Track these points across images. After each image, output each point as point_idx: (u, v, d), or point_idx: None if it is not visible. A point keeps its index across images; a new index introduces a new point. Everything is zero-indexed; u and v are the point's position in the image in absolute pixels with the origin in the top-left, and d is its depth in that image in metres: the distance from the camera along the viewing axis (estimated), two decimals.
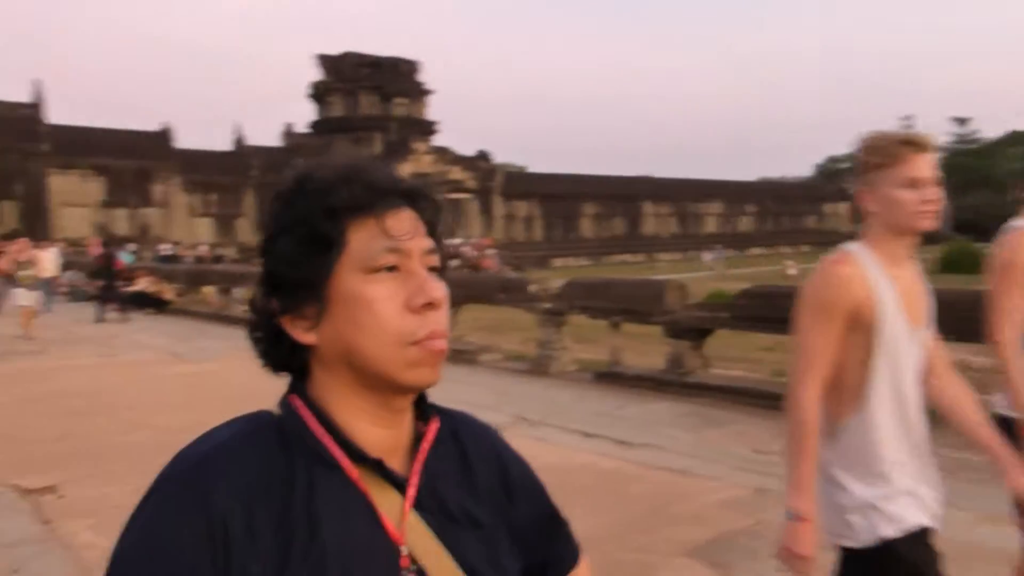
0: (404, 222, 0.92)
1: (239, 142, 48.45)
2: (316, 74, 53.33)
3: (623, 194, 63.87)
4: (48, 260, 18.32)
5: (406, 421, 0.97)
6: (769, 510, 4.80)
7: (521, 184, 58.50)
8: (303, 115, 61.16)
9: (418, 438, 1.00)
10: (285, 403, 0.96)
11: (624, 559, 4.41)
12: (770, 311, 7.39)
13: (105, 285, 17.23)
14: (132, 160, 43.13)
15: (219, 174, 46.39)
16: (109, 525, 4.49)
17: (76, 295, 21.44)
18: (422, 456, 0.97)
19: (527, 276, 11.00)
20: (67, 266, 22.60)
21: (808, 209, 79.39)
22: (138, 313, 18.18)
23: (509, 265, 39.58)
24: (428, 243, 0.93)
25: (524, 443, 6.58)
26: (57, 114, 42.01)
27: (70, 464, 6.27)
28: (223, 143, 49.11)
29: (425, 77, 55.04)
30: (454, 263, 40.90)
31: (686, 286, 9.25)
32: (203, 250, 41.08)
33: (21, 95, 41.56)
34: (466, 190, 49.41)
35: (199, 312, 17.64)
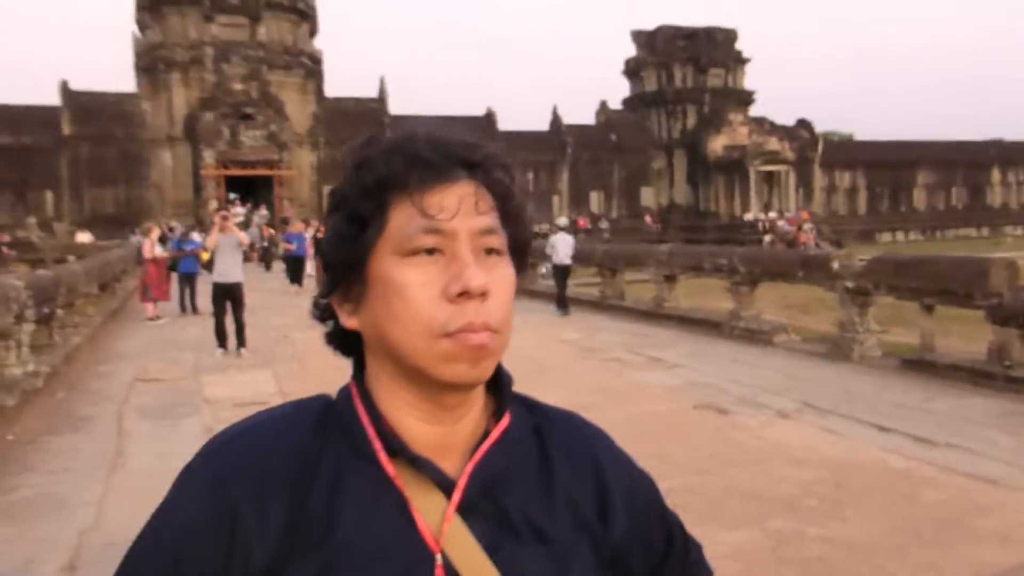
0: (448, 198, 0.82)
1: (555, 121, 50.14)
2: (630, 50, 53.62)
3: (965, 161, 57.09)
4: None
5: (467, 418, 0.88)
6: None
7: (843, 153, 54.64)
8: (618, 92, 62.37)
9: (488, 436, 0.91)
10: (343, 389, 0.91)
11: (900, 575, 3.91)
12: None
13: None
14: None
15: (537, 153, 48.45)
16: None
17: None
18: (478, 456, 0.87)
19: (836, 251, 10.15)
20: None
21: None
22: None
23: (828, 240, 37.06)
24: (483, 222, 0.83)
25: (806, 432, 6.15)
26: (398, 106, 45.94)
27: None
28: (541, 123, 50.98)
29: (743, 45, 53.11)
30: (767, 238, 39.21)
31: (1017, 264, 7.99)
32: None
33: (371, 91, 46.33)
34: (783, 161, 47.01)
35: (529, 289, 18.57)
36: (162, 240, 17.54)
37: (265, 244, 26.40)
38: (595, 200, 49.33)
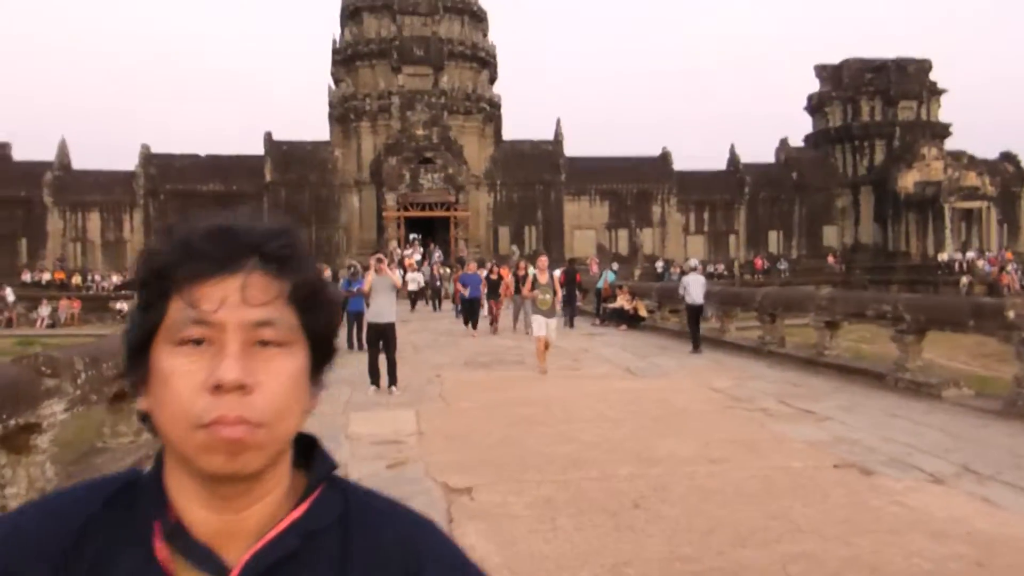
0: (217, 290, 0.83)
1: (733, 160, 49.06)
2: (813, 85, 51.74)
3: None
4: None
5: (258, 505, 0.88)
6: None
7: None
8: (799, 128, 60.34)
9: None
10: (152, 468, 0.92)
11: None
12: None
13: (566, 298, 18.79)
14: (634, 184, 46.39)
15: (713, 192, 47.53)
16: (497, 531, 4.87)
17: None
18: (257, 546, 0.86)
19: (1007, 299, 9.26)
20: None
21: None
22: (615, 328, 19.46)
23: None
24: (255, 314, 0.83)
25: (956, 501, 5.62)
26: (573, 147, 46.51)
27: (494, 468, 6.88)
28: (718, 162, 50.03)
29: (938, 75, 50.00)
30: (964, 280, 36.32)
31: None
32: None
33: (547, 134, 47.28)
34: (984, 197, 43.52)
35: (668, 329, 18.23)
36: (335, 279, 18.62)
37: (437, 284, 27.22)
38: (774, 240, 47.66)
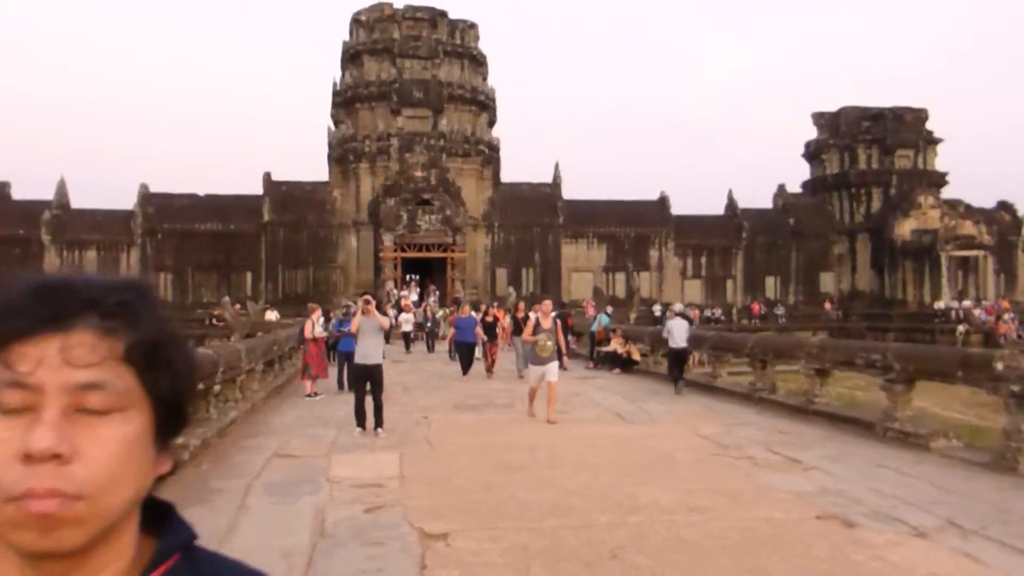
0: (36, 350, 0.77)
1: (731, 205, 49.31)
2: (810, 132, 52.20)
3: None
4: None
5: None
6: None
7: None
8: (796, 175, 60.66)
9: None
10: None
11: None
12: None
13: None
14: (632, 227, 46.58)
15: (710, 237, 47.70)
16: None
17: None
18: None
19: (1003, 350, 9.20)
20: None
21: None
22: (608, 372, 19.36)
23: None
24: (80, 376, 0.77)
25: (938, 557, 5.52)
26: (571, 190, 46.79)
27: (473, 515, 6.78)
28: (715, 207, 50.30)
29: (934, 124, 50.43)
30: (960, 328, 36.26)
31: None
32: (688, 311, 42.40)
33: (545, 177, 47.56)
34: (980, 246, 43.66)
35: (660, 373, 18.12)
36: (328, 319, 18.57)
37: (429, 325, 27.10)
38: (771, 285, 47.74)
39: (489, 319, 20.27)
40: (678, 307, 19.06)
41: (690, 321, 19.53)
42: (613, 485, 7.70)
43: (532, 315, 15.06)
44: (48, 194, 43.21)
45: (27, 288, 0.81)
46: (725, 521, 6.39)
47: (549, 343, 12.07)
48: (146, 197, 43.41)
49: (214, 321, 35.20)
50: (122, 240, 42.84)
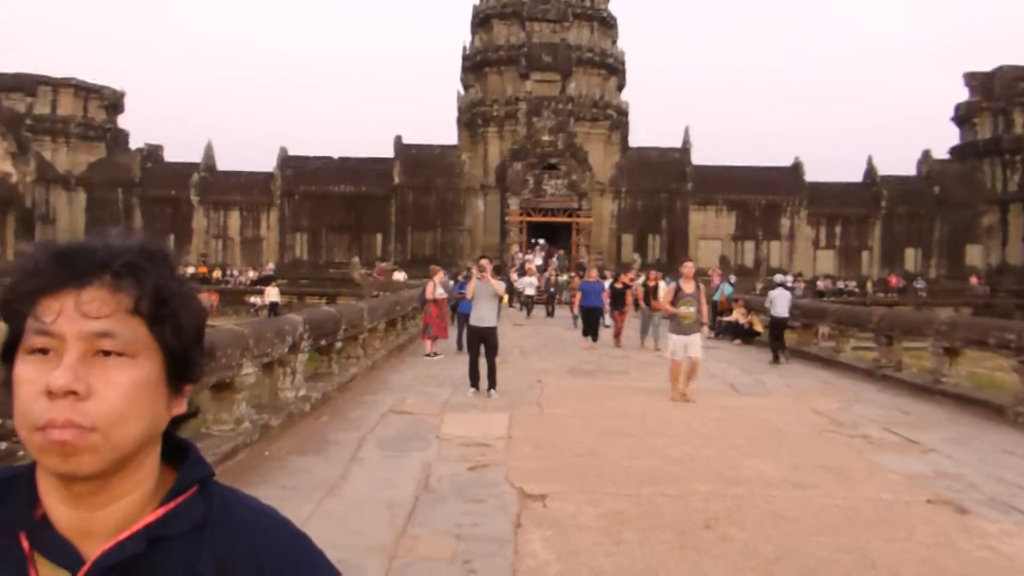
0: (57, 304, 0.92)
1: (869, 172, 46.98)
2: (960, 95, 48.95)
3: None
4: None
5: (114, 506, 0.95)
6: None
7: None
8: (943, 141, 56.61)
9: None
10: (30, 464, 0.99)
11: None
12: None
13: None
14: (762, 195, 45.15)
15: (846, 206, 45.68)
16: (562, 541, 4.92)
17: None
18: (107, 545, 0.93)
19: None
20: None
21: None
22: (729, 343, 19.03)
23: None
24: (94, 325, 0.91)
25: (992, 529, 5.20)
26: (700, 155, 45.74)
27: (573, 478, 6.90)
28: (852, 174, 48.02)
29: None
30: None
31: None
32: (823, 283, 40.92)
33: (675, 141, 46.67)
34: None
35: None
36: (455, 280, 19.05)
37: (552, 290, 27.14)
38: (911, 257, 45.35)
39: (619, 286, 19.51)
40: (780, 278, 19.61)
41: (793, 291, 19.55)
42: (717, 456, 7.65)
43: (661, 283, 14.46)
44: (197, 157, 45.78)
45: (53, 252, 0.95)
46: (828, 499, 6.27)
47: (691, 309, 11.05)
48: (285, 160, 45.28)
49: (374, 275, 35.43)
50: (262, 201, 44.93)
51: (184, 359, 0.98)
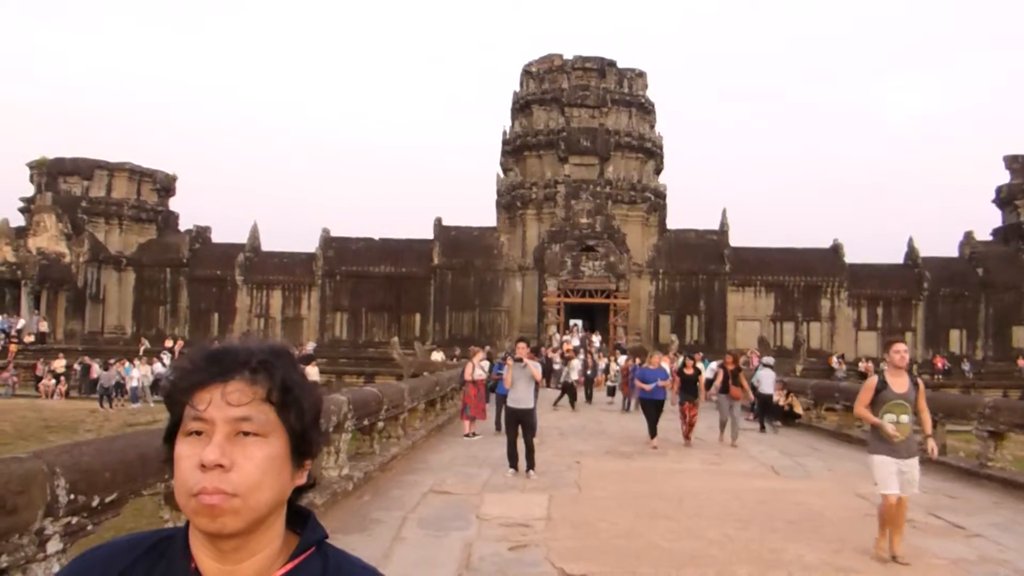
0: (207, 395, 1.17)
1: (911, 253, 46.70)
2: (1001, 177, 48.81)
3: None
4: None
5: (252, 559, 1.18)
6: None
7: None
8: (985, 223, 56.19)
9: None
10: (183, 527, 1.24)
11: None
12: None
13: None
14: (801, 276, 45.01)
15: (888, 287, 45.32)
16: None
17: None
18: None
19: None
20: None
21: None
22: (767, 424, 18.85)
23: None
24: (235, 412, 1.16)
25: None
26: (738, 237, 45.91)
27: (613, 558, 6.95)
28: (892, 256, 47.71)
29: None
30: None
31: None
32: (864, 365, 40.31)
33: (712, 223, 46.92)
34: None
35: (823, 428, 17.50)
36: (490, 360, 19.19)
37: (589, 373, 26.87)
38: (955, 339, 44.59)
39: (688, 371, 16.09)
40: (768, 359, 22.17)
41: (835, 373, 20.64)
42: (757, 539, 7.64)
43: (712, 365, 13.81)
44: (244, 237, 46.99)
45: (205, 354, 1.22)
46: None
47: (904, 418, 7.10)
48: (327, 241, 46.28)
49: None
50: (304, 281, 45.80)
51: (304, 438, 1.22)
